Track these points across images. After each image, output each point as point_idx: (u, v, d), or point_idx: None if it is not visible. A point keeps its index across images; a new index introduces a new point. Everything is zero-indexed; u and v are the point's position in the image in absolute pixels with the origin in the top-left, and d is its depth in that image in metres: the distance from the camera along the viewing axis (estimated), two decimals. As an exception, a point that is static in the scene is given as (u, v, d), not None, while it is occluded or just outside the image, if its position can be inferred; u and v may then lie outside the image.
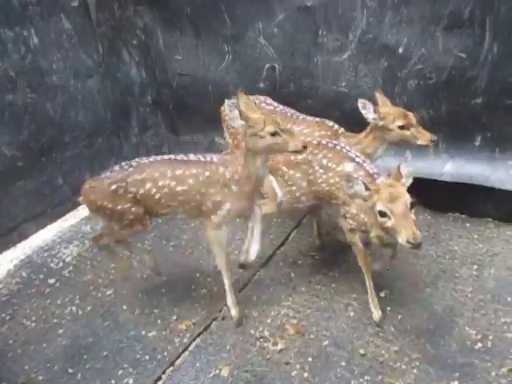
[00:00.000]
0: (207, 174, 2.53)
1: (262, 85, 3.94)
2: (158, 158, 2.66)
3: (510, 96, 3.06)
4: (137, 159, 2.66)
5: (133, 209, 2.59)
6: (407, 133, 2.76)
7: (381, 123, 2.79)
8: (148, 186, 2.56)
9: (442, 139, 3.37)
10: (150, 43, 4.45)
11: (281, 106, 3.26)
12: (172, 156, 2.65)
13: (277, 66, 3.81)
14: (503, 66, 3.00)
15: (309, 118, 3.15)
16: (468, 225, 3.46)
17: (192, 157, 2.61)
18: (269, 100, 3.31)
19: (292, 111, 3.21)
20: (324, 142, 2.77)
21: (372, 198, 2.24)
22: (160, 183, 2.56)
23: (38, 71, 3.75)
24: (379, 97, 2.86)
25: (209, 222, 2.63)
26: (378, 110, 2.80)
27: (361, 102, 2.83)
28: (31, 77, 3.71)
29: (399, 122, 2.74)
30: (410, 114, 2.77)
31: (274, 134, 2.33)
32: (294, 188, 2.84)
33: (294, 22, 3.59)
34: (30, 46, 3.66)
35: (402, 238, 2.09)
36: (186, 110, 4.57)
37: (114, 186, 2.55)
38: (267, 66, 3.86)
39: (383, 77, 3.39)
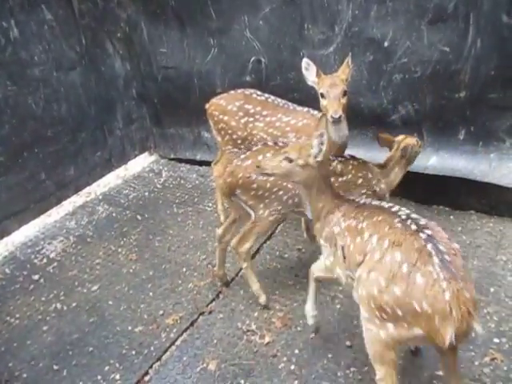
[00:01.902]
0: None
1: (248, 78, 3.92)
2: None
3: (493, 90, 3.10)
4: None
5: None
6: (324, 102, 2.73)
7: (319, 89, 2.75)
8: None
9: (427, 133, 3.41)
10: (134, 36, 4.40)
11: (272, 97, 3.26)
12: None
13: (263, 59, 3.80)
14: (486, 60, 3.03)
15: (298, 107, 3.17)
16: (452, 217, 3.51)
17: None
18: (258, 92, 3.30)
19: (283, 101, 3.22)
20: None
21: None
22: None
23: (18, 63, 3.67)
24: None
25: None
26: (320, 75, 2.77)
27: (305, 62, 2.80)
28: (12, 69, 3.63)
29: (321, 90, 2.72)
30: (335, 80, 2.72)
31: None
32: (280, 193, 2.66)
33: (279, 15, 3.57)
34: (10, 38, 3.58)
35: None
36: (171, 103, 4.54)
37: None
38: (253, 59, 3.84)
39: (369, 70, 3.40)
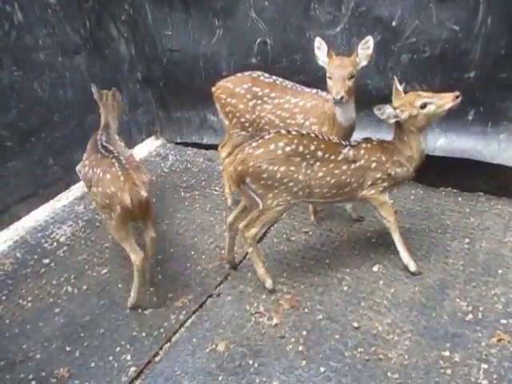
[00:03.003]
0: None
1: (253, 60, 3.88)
2: None
3: (503, 70, 3.04)
4: None
5: None
6: (330, 83, 2.73)
7: (328, 70, 2.74)
8: None
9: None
10: (138, 18, 4.35)
11: (280, 79, 3.23)
12: None
13: (268, 41, 3.75)
14: (497, 38, 2.97)
15: (307, 89, 3.15)
16: (460, 199, 3.49)
17: None
18: (266, 74, 3.27)
19: (291, 83, 3.20)
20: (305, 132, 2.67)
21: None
22: None
23: (23, 48, 3.64)
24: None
25: None
26: (331, 55, 2.74)
27: (318, 41, 2.77)
28: (16, 54, 3.61)
29: (329, 70, 2.73)
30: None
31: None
32: (290, 184, 2.60)
33: (285, -5, 3.51)
34: (14, 22, 3.55)
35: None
36: (176, 86, 4.51)
37: None
38: (259, 40, 3.79)
39: (377, 50, 3.31)
